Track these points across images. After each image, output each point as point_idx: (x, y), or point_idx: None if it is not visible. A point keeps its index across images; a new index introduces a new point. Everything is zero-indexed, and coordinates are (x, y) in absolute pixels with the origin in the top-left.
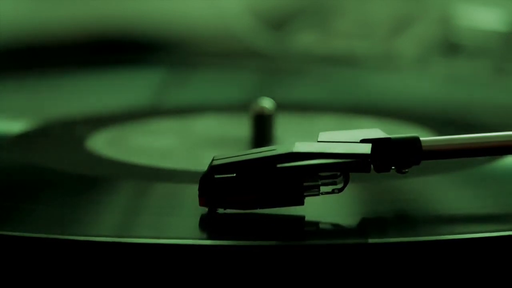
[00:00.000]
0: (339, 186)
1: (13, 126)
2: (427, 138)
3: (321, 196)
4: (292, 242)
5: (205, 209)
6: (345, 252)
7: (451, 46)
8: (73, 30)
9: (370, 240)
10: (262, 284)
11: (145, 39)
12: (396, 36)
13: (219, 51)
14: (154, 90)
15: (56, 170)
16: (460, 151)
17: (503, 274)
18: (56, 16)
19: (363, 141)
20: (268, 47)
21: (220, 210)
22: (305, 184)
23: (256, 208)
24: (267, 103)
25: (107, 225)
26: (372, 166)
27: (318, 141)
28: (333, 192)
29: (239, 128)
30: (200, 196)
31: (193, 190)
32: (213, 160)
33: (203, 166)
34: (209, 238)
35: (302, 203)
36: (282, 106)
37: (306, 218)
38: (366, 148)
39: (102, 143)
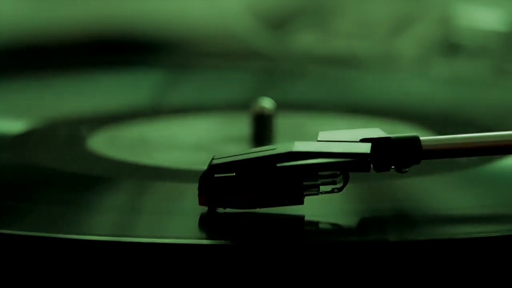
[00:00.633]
0: (339, 185)
1: (13, 126)
2: (427, 137)
3: (320, 196)
4: (292, 241)
5: (204, 209)
6: (345, 251)
7: (451, 46)
8: (73, 30)
9: (370, 240)
10: (262, 284)
11: (145, 39)
12: (396, 36)
13: (219, 51)
14: (154, 90)
15: (56, 170)
16: (460, 151)
17: (503, 275)
18: (56, 16)
19: (363, 140)
20: (268, 47)
21: (220, 210)
22: (304, 183)
23: (256, 208)
24: (267, 103)
25: (107, 225)
26: (372, 165)
27: (318, 141)
28: (332, 191)
29: (239, 128)
30: (199, 195)
31: (193, 189)
32: (212, 159)
33: (203, 166)
34: (208, 237)
35: (301, 203)
36: (282, 106)
37: (306, 218)
38: (366, 148)
39: (102, 143)
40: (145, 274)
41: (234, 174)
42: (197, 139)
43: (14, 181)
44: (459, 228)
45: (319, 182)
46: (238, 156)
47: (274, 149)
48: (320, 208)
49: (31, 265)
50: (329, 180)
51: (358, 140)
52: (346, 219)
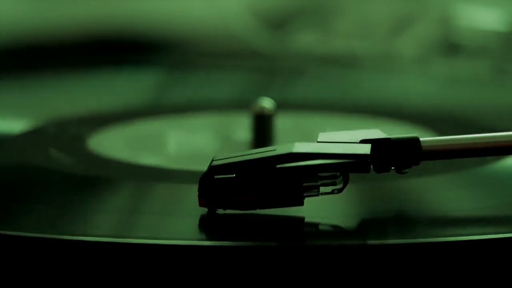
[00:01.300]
0: (339, 186)
1: (13, 126)
2: (427, 138)
3: (320, 197)
4: (292, 243)
5: (204, 210)
6: (345, 253)
7: (451, 46)
8: (73, 30)
9: (370, 241)
10: (262, 285)
11: (144, 39)
12: (396, 36)
13: (219, 51)
14: (154, 90)
15: (56, 170)
16: (460, 151)
17: (504, 276)
18: (56, 16)
19: (363, 141)
20: (268, 47)
21: (220, 211)
22: (304, 184)
23: (256, 209)
24: (267, 103)
25: (106, 225)
26: (371, 166)
27: (318, 142)
28: (332, 192)
29: (239, 128)
30: (199, 196)
31: (193, 190)
32: (212, 160)
33: (203, 167)
34: (208, 238)
35: (301, 204)
36: (282, 106)
37: (306, 219)
38: (366, 149)
39: (102, 143)
40: (145, 275)
41: (234, 175)
42: (197, 139)
43: (14, 181)
44: (459, 229)
45: (319, 183)
46: (238, 157)
47: (274, 150)
48: (320, 209)
49: (31, 266)
50: (329, 181)
51: (358, 141)
52: (346, 220)
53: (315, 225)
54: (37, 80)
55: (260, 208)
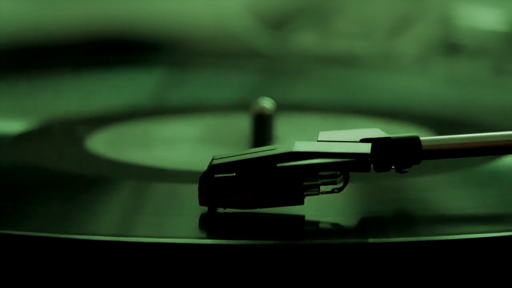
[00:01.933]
0: (339, 185)
1: (13, 126)
2: (427, 137)
3: (321, 196)
4: (292, 241)
5: (205, 209)
6: (345, 251)
7: (451, 46)
8: (73, 30)
9: (370, 240)
10: (262, 284)
11: (145, 39)
12: (396, 36)
13: (219, 51)
14: (154, 90)
15: (56, 170)
16: (460, 151)
17: (504, 275)
18: (56, 16)
19: (363, 140)
20: (268, 47)
21: (220, 210)
22: (305, 183)
23: (256, 208)
24: (267, 103)
25: (107, 225)
26: (372, 165)
27: (318, 141)
28: (333, 191)
29: (239, 128)
30: (200, 195)
31: (193, 189)
32: (213, 159)
33: (203, 166)
34: (209, 237)
35: (302, 203)
36: (282, 106)
37: (306, 218)
38: (366, 148)
39: (102, 143)
40: (145, 274)
41: (234, 174)
42: (197, 139)
43: (14, 181)
44: (459, 228)
45: (319, 182)
46: (238, 156)
47: (274, 149)
48: (320, 208)
49: (31, 265)
50: (329, 180)
51: (358, 140)
52: (347, 219)
53: (315, 224)
54: (37, 80)
55: (260, 207)
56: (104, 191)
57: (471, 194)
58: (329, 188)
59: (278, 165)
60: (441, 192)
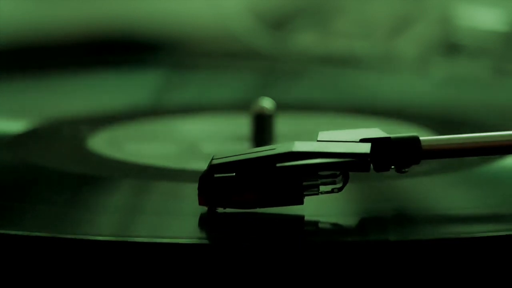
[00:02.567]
0: (339, 185)
1: (13, 126)
2: (426, 137)
3: (320, 196)
4: (292, 241)
5: (204, 208)
6: (345, 251)
7: (451, 46)
8: (73, 30)
9: (370, 239)
10: (262, 284)
11: (145, 39)
12: (396, 36)
13: (219, 51)
14: (154, 90)
15: (56, 170)
16: (460, 151)
17: (503, 274)
18: (56, 16)
19: (363, 140)
20: (268, 47)
21: (220, 210)
22: (304, 183)
23: (256, 208)
24: (267, 103)
25: (106, 225)
26: (371, 165)
27: (318, 141)
28: (332, 191)
29: (239, 128)
30: (199, 195)
31: (193, 189)
32: (212, 159)
33: (203, 166)
34: (208, 237)
35: (301, 203)
36: (282, 106)
37: (306, 218)
38: (366, 148)
39: (102, 143)
40: (145, 274)
41: (234, 174)
42: (197, 139)
43: (14, 181)
44: (459, 227)
45: (319, 182)
46: (238, 156)
47: (274, 149)
48: (320, 208)
49: (31, 265)
50: (329, 180)
51: (358, 140)
52: (346, 219)
53: (315, 224)
54: (37, 80)
55: (260, 207)
56: (104, 191)
57: (471, 194)
58: (328, 188)
59: (278, 165)
60: (441, 192)
